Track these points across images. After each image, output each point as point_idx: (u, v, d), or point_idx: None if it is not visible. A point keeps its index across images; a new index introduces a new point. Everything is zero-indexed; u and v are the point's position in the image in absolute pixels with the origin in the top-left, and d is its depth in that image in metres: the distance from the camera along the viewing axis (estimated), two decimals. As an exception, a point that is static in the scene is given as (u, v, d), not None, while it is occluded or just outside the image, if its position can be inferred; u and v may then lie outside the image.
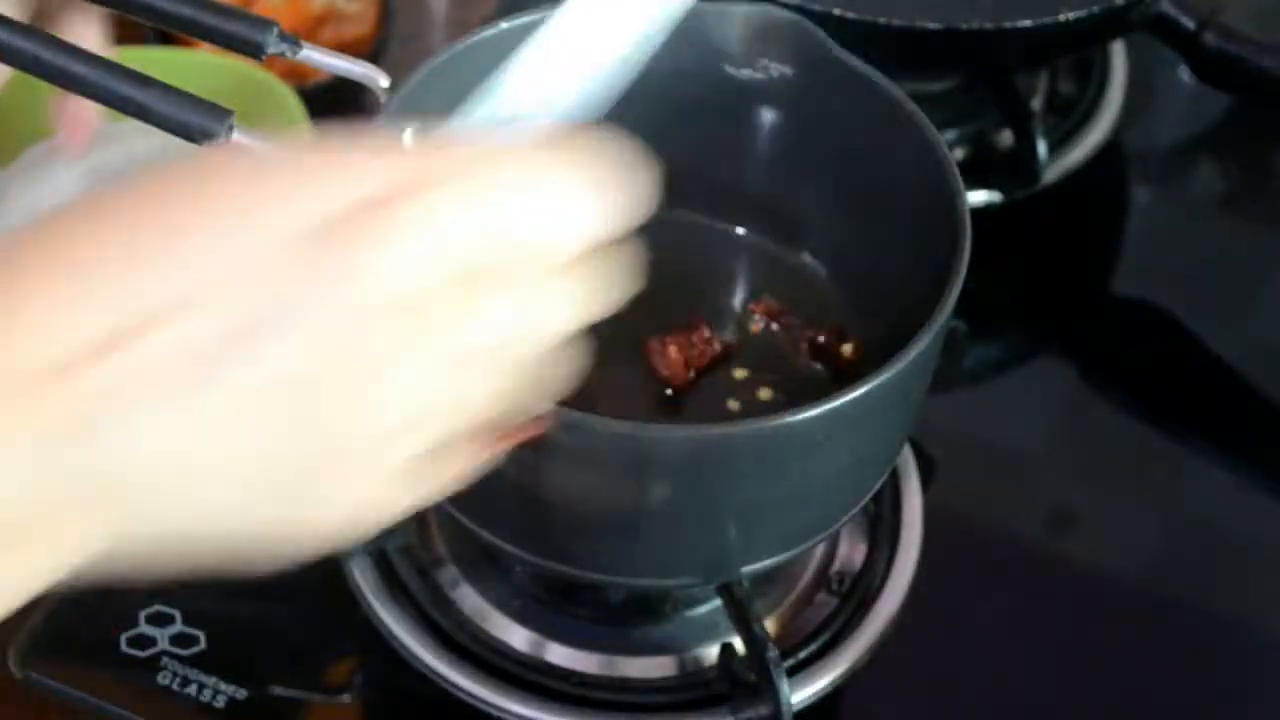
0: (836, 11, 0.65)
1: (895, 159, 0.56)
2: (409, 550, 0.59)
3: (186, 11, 0.54)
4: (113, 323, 0.31)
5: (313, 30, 0.83)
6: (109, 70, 0.50)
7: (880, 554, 0.60)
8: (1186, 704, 0.59)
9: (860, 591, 0.59)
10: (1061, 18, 0.66)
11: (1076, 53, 0.81)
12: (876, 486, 0.55)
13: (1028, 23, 0.66)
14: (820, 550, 0.61)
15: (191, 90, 0.75)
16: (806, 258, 0.62)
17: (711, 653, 0.57)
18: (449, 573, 0.59)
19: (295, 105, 0.73)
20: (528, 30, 0.48)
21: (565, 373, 0.37)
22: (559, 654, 0.57)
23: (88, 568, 0.33)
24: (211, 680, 0.56)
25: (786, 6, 0.64)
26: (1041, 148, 0.72)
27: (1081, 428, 0.70)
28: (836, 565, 0.60)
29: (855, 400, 0.46)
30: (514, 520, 0.51)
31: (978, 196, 0.75)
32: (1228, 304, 0.75)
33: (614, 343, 0.58)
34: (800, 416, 0.45)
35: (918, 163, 0.54)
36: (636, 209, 0.36)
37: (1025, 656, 0.60)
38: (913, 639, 0.58)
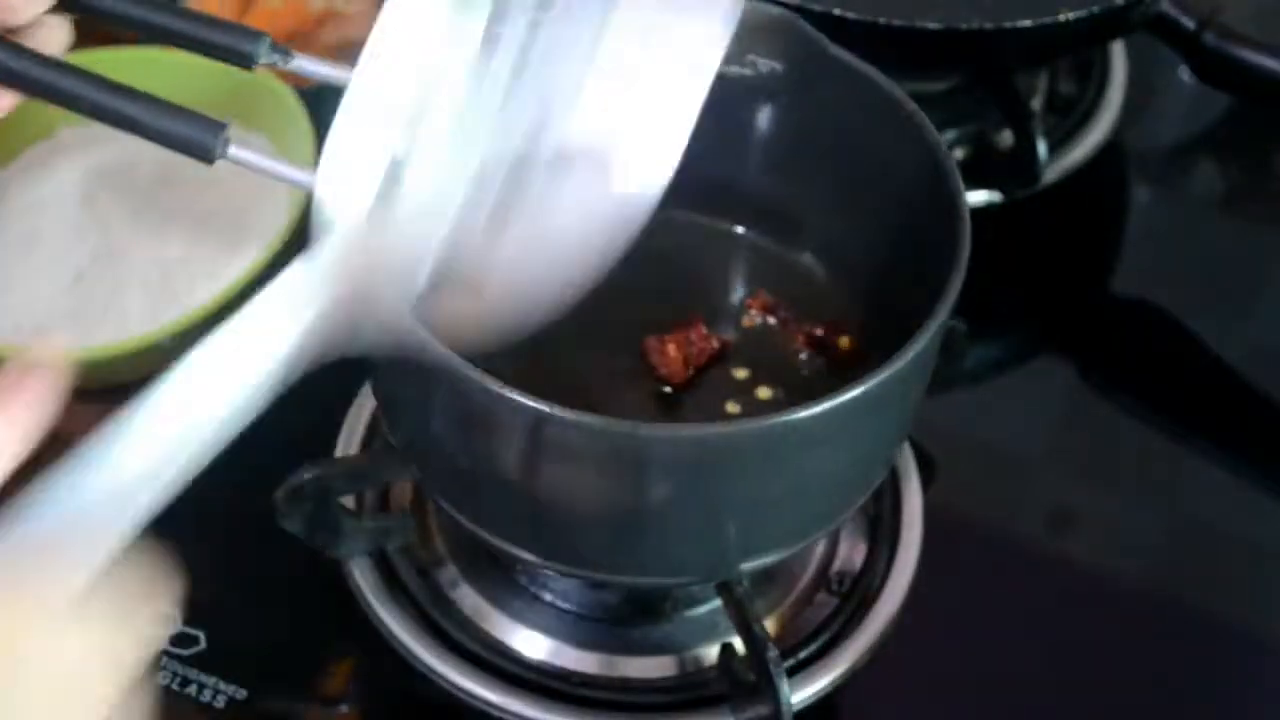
0: (836, 11, 0.65)
1: (894, 157, 0.56)
2: (409, 550, 0.59)
3: (176, 24, 0.53)
4: None
5: (313, 30, 0.83)
6: (102, 86, 0.50)
7: (880, 554, 0.60)
8: (1186, 704, 0.59)
9: (860, 591, 0.59)
10: (1061, 18, 0.66)
11: (1076, 53, 0.81)
12: (876, 484, 0.55)
13: (1028, 23, 0.66)
14: (820, 550, 0.61)
15: (192, 91, 0.75)
16: (806, 257, 0.62)
17: (711, 653, 0.57)
18: (449, 573, 0.59)
19: (296, 105, 0.73)
20: None
21: None
22: (559, 654, 0.57)
23: None
24: (211, 680, 0.56)
25: (786, 6, 0.64)
26: (1041, 148, 0.72)
27: (1081, 428, 0.70)
28: (836, 565, 0.60)
29: (855, 399, 0.46)
30: (512, 519, 0.51)
31: (978, 196, 0.75)
32: (1228, 304, 0.75)
33: (613, 341, 0.58)
34: (799, 415, 0.45)
35: (917, 161, 0.54)
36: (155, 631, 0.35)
37: (1025, 656, 0.60)
38: (913, 639, 0.58)
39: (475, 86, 0.44)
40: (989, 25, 0.66)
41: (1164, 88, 0.85)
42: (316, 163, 0.49)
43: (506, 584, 0.59)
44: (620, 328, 0.58)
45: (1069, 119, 0.80)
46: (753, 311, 0.61)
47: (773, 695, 0.52)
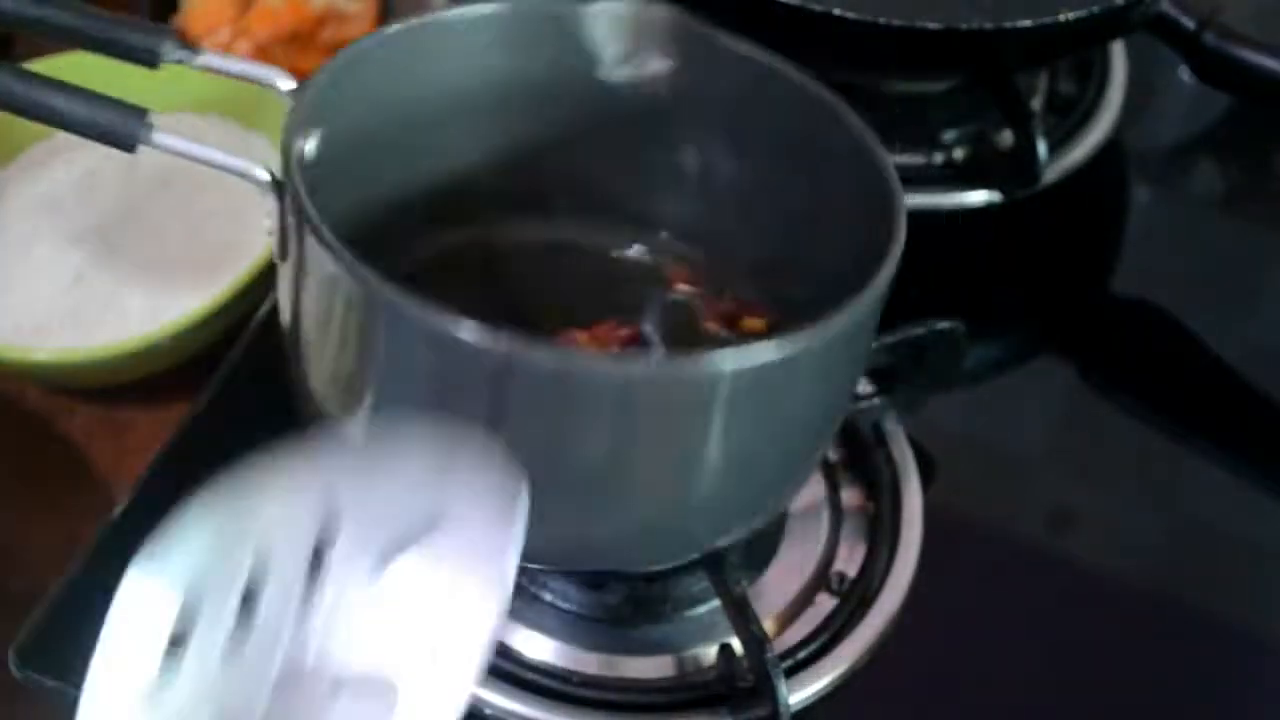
0: (836, 11, 0.65)
1: (812, 143, 0.56)
2: (409, 550, 0.59)
3: (77, 22, 0.53)
4: None
5: (313, 30, 0.83)
6: (20, 78, 0.50)
7: (880, 554, 0.60)
8: (1186, 704, 0.59)
9: (860, 591, 0.59)
10: (1061, 18, 0.66)
11: (1076, 53, 0.81)
12: (816, 459, 0.56)
13: (1028, 23, 0.66)
14: (819, 550, 0.61)
15: (190, 89, 0.75)
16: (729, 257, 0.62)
17: (710, 653, 0.57)
18: (449, 573, 0.59)
19: (295, 105, 0.73)
20: (427, 29, 0.49)
21: None
22: (559, 654, 0.57)
23: None
24: (211, 680, 0.56)
25: (785, 7, 0.65)
26: (1041, 148, 0.72)
27: (1081, 428, 0.70)
28: (836, 565, 0.60)
29: (790, 354, 0.46)
30: None
31: (978, 196, 0.75)
32: (1228, 304, 0.75)
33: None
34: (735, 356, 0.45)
35: (830, 134, 0.54)
36: None
37: (1025, 656, 0.60)
38: (913, 639, 0.58)
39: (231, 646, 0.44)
40: (989, 25, 0.66)
41: (1164, 88, 0.85)
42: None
43: (506, 584, 0.59)
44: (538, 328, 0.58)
45: (1069, 119, 0.80)
46: (670, 294, 0.61)
47: (771, 696, 0.52)
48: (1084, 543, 0.65)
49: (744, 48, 0.57)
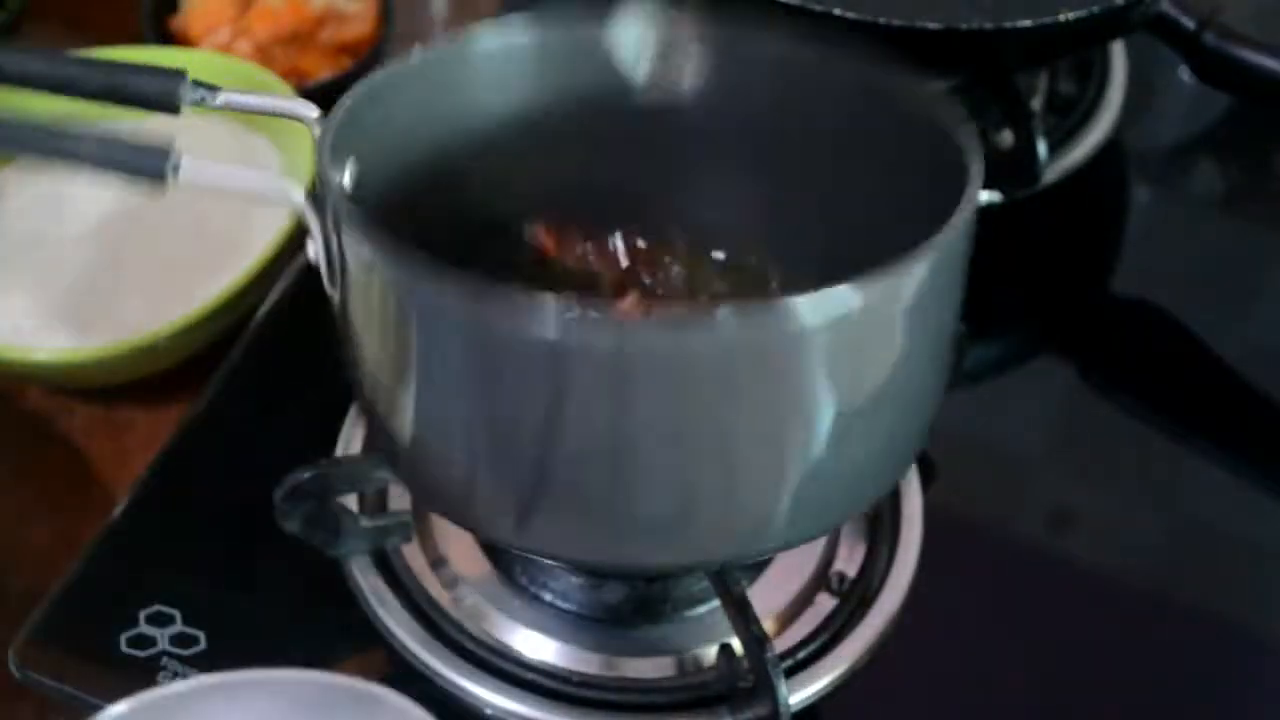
0: (837, 11, 0.65)
1: (868, 122, 0.54)
2: (409, 550, 0.59)
3: (96, 77, 0.53)
4: None
5: (313, 31, 0.83)
6: (42, 128, 0.50)
7: (880, 554, 0.60)
8: (1187, 704, 0.59)
9: (860, 591, 0.59)
10: (1061, 18, 0.66)
11: (1076, 53, 0.81)
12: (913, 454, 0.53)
13: (1028, 23, 0.66)
14: (819, 550, 0.61)
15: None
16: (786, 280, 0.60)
17: (710, 653, 0.57)
18: (449, 573, 0.59)
19: (295, 105, 0.73)
20: (459, 57, 0.50)
21: None
22: (559, 654, 0.57)
23: None
24: (211, 680, 0.56)
25: (786, 7, 0.65)
26: (1041, 148, 0.72)
27: (1081, 428, 0.70)
28: (836, 565, 0.60)
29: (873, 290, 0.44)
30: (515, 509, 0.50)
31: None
32: (1228, 304, 0.75)
33: None
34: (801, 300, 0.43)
35: (886, 107, 0.53)
36: None
37: (1025, 656, 0.60)
38: (913, 639, 0.58)
39: None
40: (989, 25, 0.66)
41: (1164, 88, 0.85)
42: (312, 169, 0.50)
43: (506, 584, 0.59)
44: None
45: (1069, 119, 0.80)
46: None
47: (771, 695, 0.52)
48: (1084, 543, 0.65)
49: (775, 46, 0.55)
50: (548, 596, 0.59)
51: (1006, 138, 0.75)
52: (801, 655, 0.57)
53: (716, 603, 0.57)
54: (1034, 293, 0.75)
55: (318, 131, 0.51)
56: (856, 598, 0.59)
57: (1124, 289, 0.76)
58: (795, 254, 0.59)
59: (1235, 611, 0.62)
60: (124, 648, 0.57)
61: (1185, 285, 0.75)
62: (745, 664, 0.55)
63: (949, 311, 0.50)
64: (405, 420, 0.49)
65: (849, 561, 0.61)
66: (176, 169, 0.50)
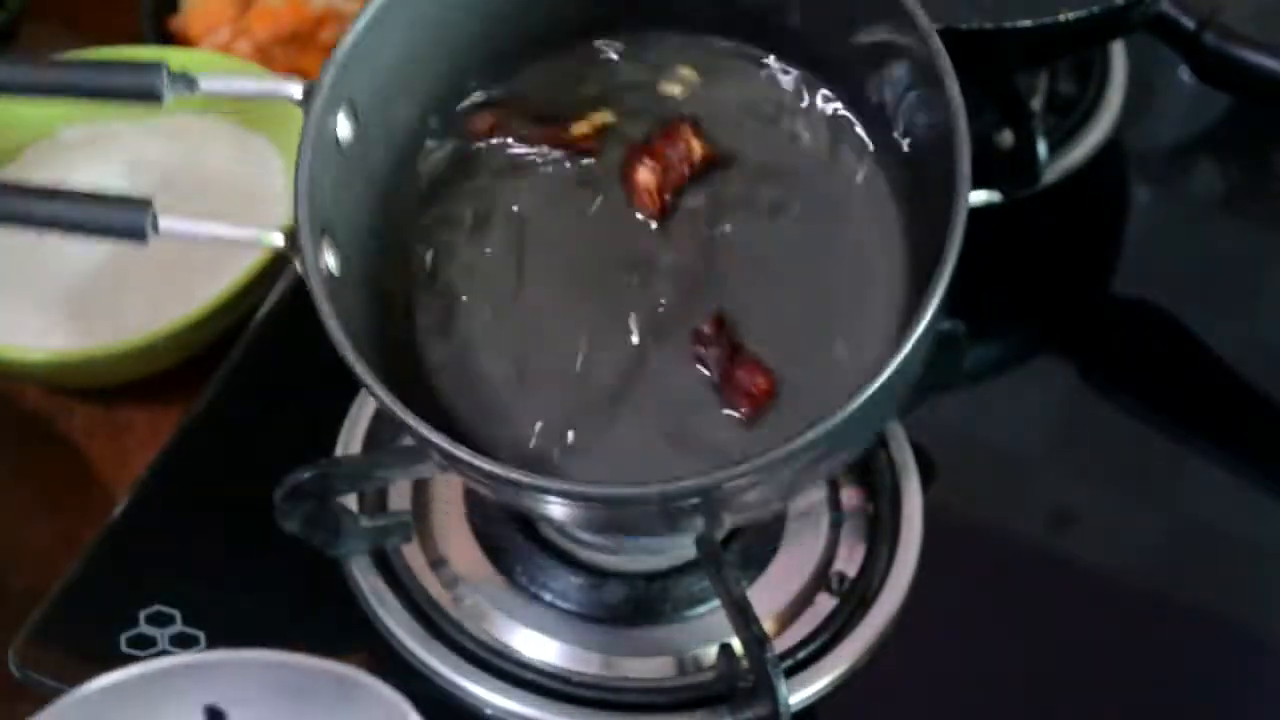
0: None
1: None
2: (408, 550, 0.59)
3: (76, 78, 0.53)
4: None
5: (313, 31, 0.83)
6: (22, 194, 0.50)
7: (880, 554, 0.60)
8: (1187, 704, 0.59)
9: (860, 591, 0.59)
10: (1061, 18, 0.66)
11: (1076, 53, 0.81)
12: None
13: (1028, 23, 0.66)
14: (819, 550, 0.61)
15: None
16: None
17: (710, 653, 0.57)
18: (448, 572, 0.59)
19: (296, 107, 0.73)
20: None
21: None
22: (559, 654, 0.57)
23: None
24: (211, 680, 0.56)
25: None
26: (1041, 148, 0.72)
27: (1081, 428, 0.70)
28: (836, 565, 0.60)
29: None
30: None
31: (978, 196, 0.75)
32: (1228, 304, 0.75)
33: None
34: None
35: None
36: None
37: (1025, 656, 0.60)
38: (912, 639, 0.58)
39: None
40: (989, 25, 0.66)
41: (1164, 88, 0.84)
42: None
43: (506, 584, 0.59)
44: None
45: (1069, 119, 0.80)
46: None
47: (771, 695, 0.52)
48: (1084, 543, 0.65)
49: None
50: (548, 596, 0.59)
51: (1006, 138, 0.75)
52: (801, 655, 0.57)
53: (716, 603, 0.57)
54: (1034, 293, 0.75)
55: (305, 106, 0.51)
56: (856, 598, 0.59)
57: (1124, 289, 0.76)
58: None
59: (1235, 611, 0.62)
60: (124, 648, 0.57)
61: (1185, 285, 0.75)
62: (745, 664, 0.55)
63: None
64: None
65: (849, 561, 0.61)
66: (155, 220, 0.50)
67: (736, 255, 0.55)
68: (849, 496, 0.63)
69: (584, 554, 0.59)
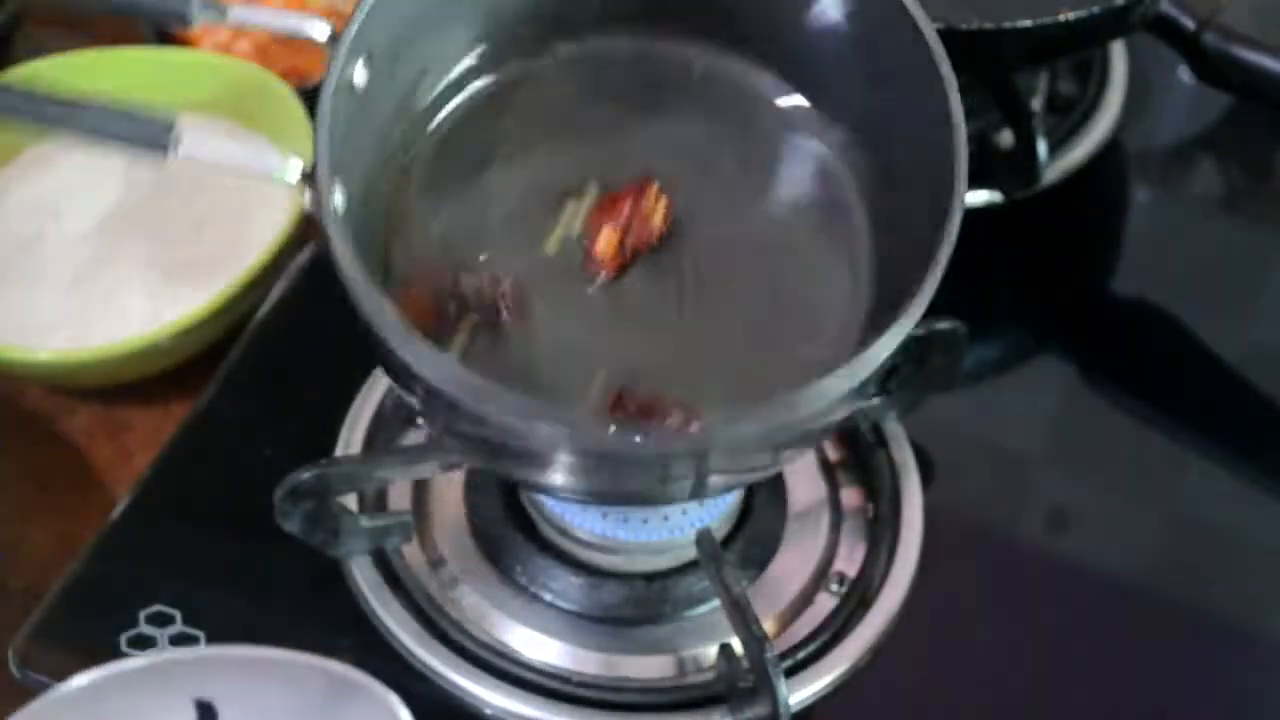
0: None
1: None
2: (409, 550, 0.59)
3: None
4: None
5: (313, 30, 0.83)
6: (54, 99, 0.50)
7: (880, 554, 0.60)
8: (1186, 704, 0.59)
9: (860, 591, 0.59)
10: (1061, 18, 0.66)
11: (1076, 53, 0.81)
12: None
13: (1028, 23, 0.66)
14: (820, 550, 0.61)
15: (192, 91, 0.75)
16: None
17: (710, 653, 0.57)
18: (449, 572, 0.59)
19: (295, 105, 0.73)
20: None
21: None
22: (559, 654, 0.57)
23: None
24: (211, 680, 0.56)
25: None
26: (1041, 148, 0.72)
27: (1081, 428, 0.70)
28: (836, 565, 0.60)
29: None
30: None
31: (978, 196, 0.75)
32: (1228, 304, 0.75)
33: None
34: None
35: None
36: None
37: (1025, 656, 0.60)
38: (912, 639, 0.58)
39: None
40: (989, 25, 0.66)
41: (1164, 88, 0.85)
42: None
43: (506, 584, 0.59)
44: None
45: (1069, 119, 0.80)
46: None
47: (771, 695, 0.52)
48: (1084, 543, 0.65)
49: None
50: (548, 596, 0.59)
51: (1006, 138, 0.75)
52: (801, 655, 0.57)
53: (716, 603, 0.57)
54: (1034, 293, 0.75)
55: (329, 47, 0.53)
56: (856, 598, 0.59)
57: (1124, 289, 0.76)
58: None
59: (1235, 611, 0.62)
60: (124, 647, 0.57)
61: (1185, 285, 0.75)
62: (745, 664, 0.55)
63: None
64: None
65: (849, 561, 0.61)
66: (178, 142, 0.50)
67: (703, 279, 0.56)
68: (849, 496, 0.63)
69: (584, 554, 0.59)
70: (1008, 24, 0.66)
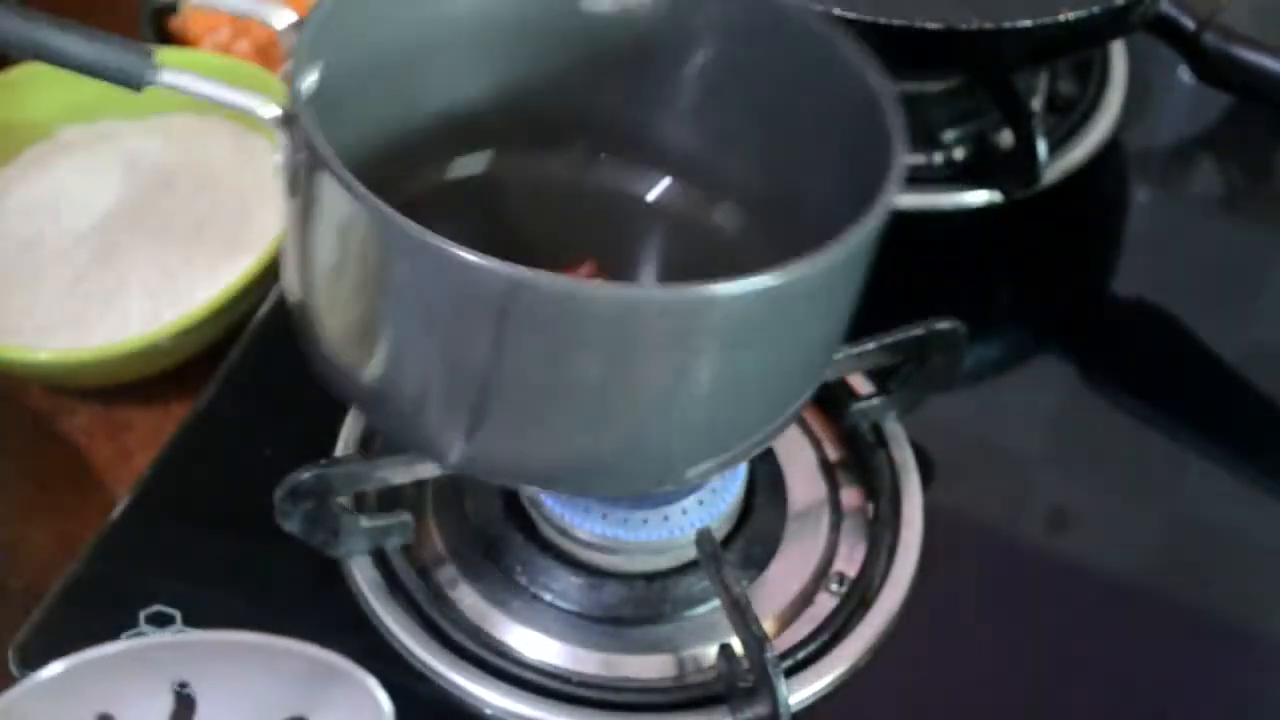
0: (836, 11, 0.65)
1: (807, 72, 0.55)
2: (409, 550, 0.59)
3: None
4: None
5: (313, 30, 0.83)
6: (26, 17, 0.50)
7: (880, 554, 0.60)
8: (1186, 704, 0.59)
9: (860, 591, 0.59)
10: (1061, 18, 0.66)
11: (1076, 53, 0.81)
12: (807, 394, 0.55)
13: (1028, 23, 0.66)
14: (819, 550, 0.61)
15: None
16: (726, 207, 0.61)
17: (710, 653, 0.57)
18: (448, 572, 0.59)
19: (295, 105, 0.73)
20: None
21: None
22: (558, 654, 0.57)
23: None
24: (211, 680, 0.56)
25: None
26: (1041, 148, 0.72)
27: (1081, 428, 0.70)
28: (836, 565, 0.60)
29: (788, 281, 0.46)
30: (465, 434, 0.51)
31: (978, 196, 0.75)
32: (1228, 304, 0.75)
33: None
34: (726, 289, 0.45)
35: (826, 64, 0.54)
36: None
37: (1025, 656, 0.60)
38: (912, 639, 0.58)
39: None
40: (989, 25, 0.66)
41: (1164, 88, 0.85)
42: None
43: (506, 584, 0.59)
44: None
45: (1069, 119, 0.80)
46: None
47: (771, 695, 0.52)
48: (1084, 543, 0.65)
49: None
50: (548, 596, 0.59)
51: (1006, 138, 0.75)
52: (801, 655, 0.57)
53: (716, 603, 0.57)
54: (1034, 293, 0.75)
55: (287, 39, 0.52)
56: (856, 598, 0.59)
57: (1124, 289, 0.76)
58: (736, 179, 0.61)
59: (1235, 611, 0.62)
60: (124, 648, 0.57)
61: (1185, 285, 0.75)
62: (745, 664, 0.55)
63: (848, 298, 0.52)
64: (357, 344, 0.51)
65: (849, 561, 0.61)
66: (156, 70, 0.50)
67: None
68: (849, 496, 0.63)
69: (584, 554, 0.59)
70: (1008, 24, 0.66)
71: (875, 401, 0.63)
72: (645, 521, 0.58)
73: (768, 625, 0.57)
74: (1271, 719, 0.60)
